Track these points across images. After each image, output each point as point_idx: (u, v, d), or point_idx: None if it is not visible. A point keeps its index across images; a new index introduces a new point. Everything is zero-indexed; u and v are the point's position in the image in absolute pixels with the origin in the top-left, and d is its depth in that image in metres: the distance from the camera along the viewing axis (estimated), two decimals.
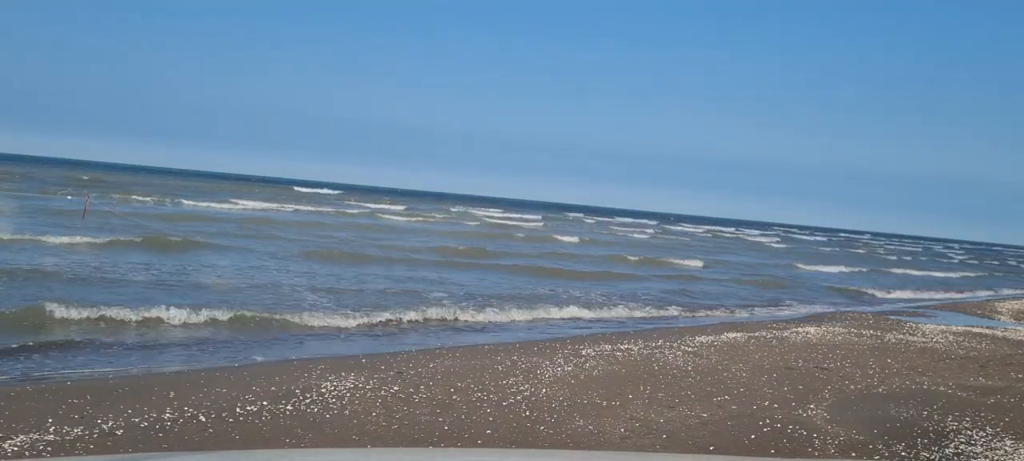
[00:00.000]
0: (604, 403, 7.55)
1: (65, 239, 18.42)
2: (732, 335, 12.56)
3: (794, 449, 6.45)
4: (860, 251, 69.59)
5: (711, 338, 12.06)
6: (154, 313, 10.84)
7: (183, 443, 5.70)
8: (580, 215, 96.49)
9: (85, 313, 10.44)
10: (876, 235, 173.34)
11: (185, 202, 40.63)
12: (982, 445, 6.82)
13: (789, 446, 6.53)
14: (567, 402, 7.49)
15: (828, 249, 66.14)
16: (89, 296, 11.75)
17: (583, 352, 10.12)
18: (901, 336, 13.85)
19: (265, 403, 6.74)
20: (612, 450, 6.10)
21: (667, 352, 10.49)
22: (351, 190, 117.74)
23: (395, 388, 7.56)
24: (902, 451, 6.56)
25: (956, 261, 66.32)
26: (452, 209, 70.91)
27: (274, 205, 46.90)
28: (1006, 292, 33.25)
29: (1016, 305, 24.01)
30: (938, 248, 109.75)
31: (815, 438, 6.80)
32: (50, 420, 5.91)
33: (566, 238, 41.71)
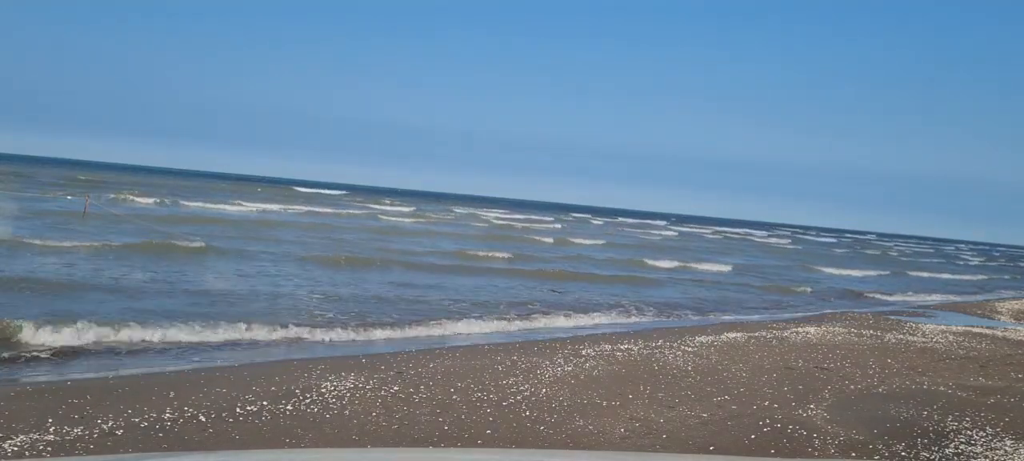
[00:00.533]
0: (604, 403, 7.55)
1: (56, 243, 17.40)
2: (732, 335, 12.56)
3: (794, 449, 6.45)
4: (872, 252, 68.14)
5: (711, 338, 12.06)
6: (139, 334, 9.60)
7: (183, 443, 5.70)
8: (585, 216, 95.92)
9: (59, 335, 9.12)
10: (881, 235, 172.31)
11: (187, 203, 39.68)
12: (982, 445, 6.83)
13: (789, 446, 6.53)
14: (567, 402, 7.49)
15: (841, 251, 64.55)
16: (71, 307, 10.73)
17: (583, 352, 10.12)
18: (901, 336, 13.85)
19: (265, 403, 6.74)
20: (612, 450, 6.10)
21: (667, 352, 10.49)
22: (352, 190, 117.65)
23: (395, 388, 7.56)
24: (902, 451, 6.56)
25: (974, 263, 64.37)
26: (457, 210, 69.99)
27: (280, 206, 46.03)
28: None
29: (1016, 305, 24.00)
30: (949, 249, 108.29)
31: (815, 438, 6.80)
32: (50, 420, 5.91)
33: (586, 240, 41.07)
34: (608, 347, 10.61)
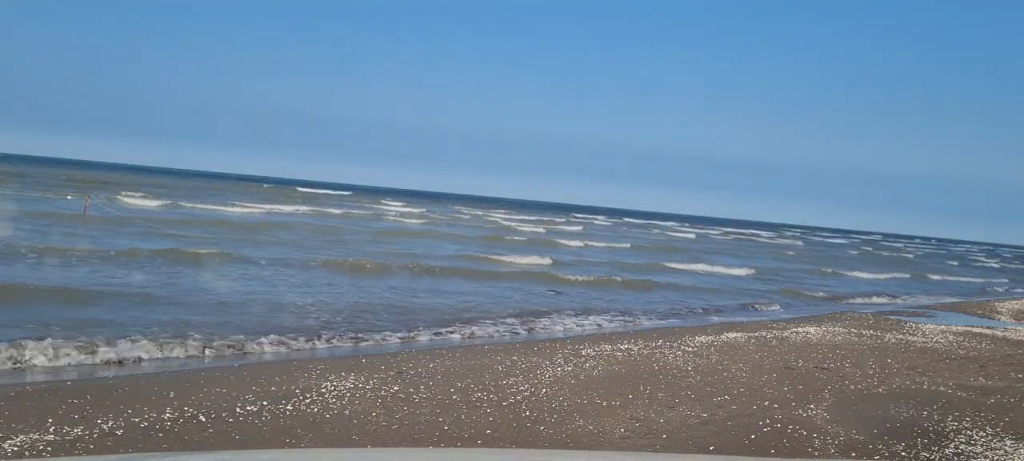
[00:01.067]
0: (604, 403, 7.55)
1: (52, 246, 16.75)
2: (732, 335, 12.56)
3: (794, 449, 6.45)
4: (886, 254, 66.68)
5: (711, 338, 12.06)
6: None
7: (183, 443, 5.70)
8: (590, 216, 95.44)
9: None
10: (887, 235, 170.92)
11: (197, 204, 38.75)
12: (982, 445, 6.83)
13: (789, 446, 6.53)
14: (567, 402, 7.49)
15: (854, 252, 63.28)
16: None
17: (583, 352, 10.12)
18: (901, 336, 13.85)
19: (265, 403, 6.74)
20: (612, 450, 6.10)
21: (667, 352, 10.49)
22: (353, 190, 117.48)
23: (395, 388, 7.56)
24: (902, 451, 6.56)
25: (991, 265, 63.11)
26: (462, 211, 69.19)
27: (292, 207, 45.59)
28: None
29: (1016, 305, 24.00)
30: (957, 250, 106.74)
31: (815, 438, 6.80)
32: (50, 420, 5.91)
33: (614, 244, 40.48)
34: (608, 347, 10.61)
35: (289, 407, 6.68)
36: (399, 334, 11.37)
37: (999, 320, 19.56)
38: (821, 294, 24.82)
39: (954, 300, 26.18)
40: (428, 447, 5.94)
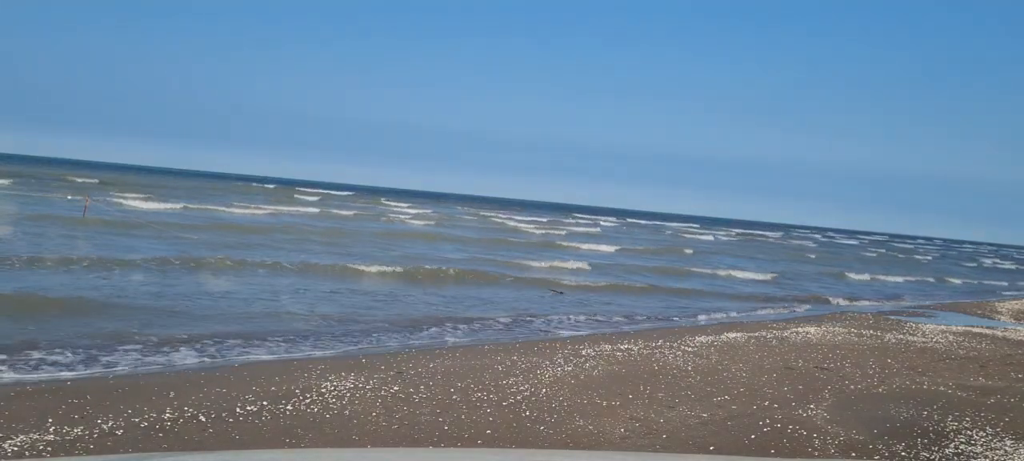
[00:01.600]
0: (604, 403, 7.55)
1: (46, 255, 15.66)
2: (732, 335, 12.56)
3: (794, 449, 6.45)
4: (900, 256, 65.18)
5: (711, 338, 12.06)
6: None
7: (183, 443, 5.70)
8: (594, 216, 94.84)
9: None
10: (892, 236, 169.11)
11: (195, 206, 37.80)
12: (982, 445, 6.83)
13: (789, 446, 6.53)
14: (567, 402, 7.49)
15: (870, 254, 62.01)
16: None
17: (583, 352, 10.12)
18: (901, 336, 13.85)
19: (265, 403, 6.74)
20: (612, 450, 6.11)
21: (667, 352, 10.49)
22: (353, 191, 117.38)
23: (395, 388, 7.56)
24: (902, 451, 6.56)
25: (1008, 268, 61.53)
26: (466, 212, 68.18)
27: (314, 209, 44.70)
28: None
29: (1016, 305, 24.00)
30: (966, 250, 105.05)
31: (815, 438, 6.80)
32: (50, 420, 5.91)
33: (640, 247, 40.01)
34: (608, 347, 10.61)
35: (289, 407, 6.68)
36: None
37: (999, 320, 19.56)
38: (866, 301, 23.95)
39: (955, 300, 26.19)
40: (428, 447, 5.94)
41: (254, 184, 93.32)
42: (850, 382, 9.32)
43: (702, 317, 16.69)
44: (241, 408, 6.55)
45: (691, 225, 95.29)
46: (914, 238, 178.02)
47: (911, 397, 8.64)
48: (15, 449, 5.29)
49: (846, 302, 23.22)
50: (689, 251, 41.72)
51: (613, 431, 6.67)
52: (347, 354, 9.67)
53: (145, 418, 6.11)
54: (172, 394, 6.82)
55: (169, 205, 36.75)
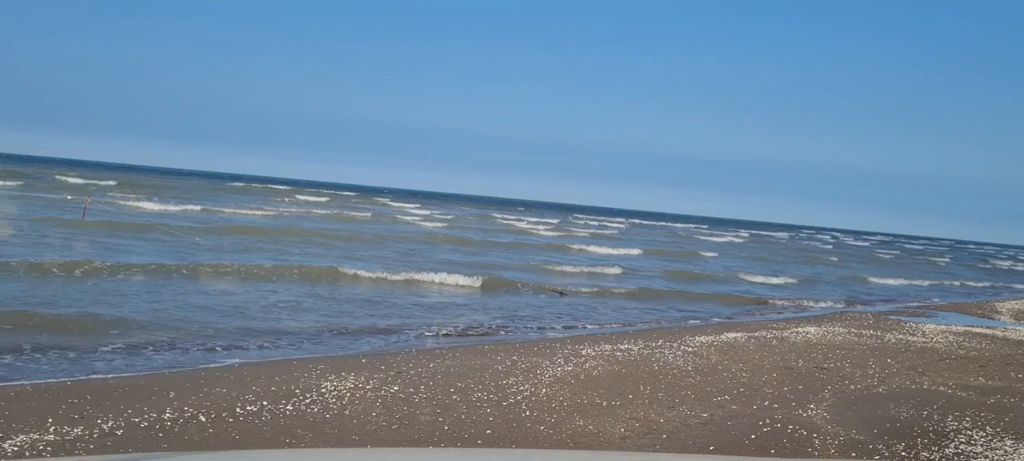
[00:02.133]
0: (604, 403, 7.55)
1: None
2: (732, 335, 12.56)
3: (794, 449, 6.46)
4: (918, 257, 64.19)
5: (711, 338, 12.06)
6: None
7: (183, 443, 5.70)
8: (598, 217, 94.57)
9: None
10: (896, 237, 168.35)
11: (197, 207, 37.03)
12: (982, 445, 6.83)
13: (789, 446, 6.53)
14: (567, 402, 7.49)
15: (888, 256, 60.69)
16: None
17: (583, 352, 10.12)
18: (901, 336, 13.85)
19: (265, 403, 6.74)
20: (612, 450, 6.11)
21: (667, 352, 10.49)
22: (354, 191, 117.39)
23: (395, 388, 7.56)
24: (902, 451, 6.56)
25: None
26: (470, 212, 67.67)
27: (319, 210, 43.80)
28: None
29: (1016, 305, 24.00)
30: (977, 251, 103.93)
31: (815, 438, 6.80)
32: (50, 420, 5.91)
33: (658, 247, 39.52)
34: (608, 347, 10.61)
35: (289, 407, 6.68)
36: None
37: (999, 320, 19.56)
38: (919, 301, 22.68)
39: (955, 300, 26.17)
40: (428, 447, 5.94)
41: (254, 184, 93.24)
42: (850, 382, 9.32)
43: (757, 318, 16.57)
44: (241, 408, 6.55)
45: (701, 226, 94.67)
46: (917, 238, 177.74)
47: (911, 397, 8.64)
48: (15, 449, 5.29)
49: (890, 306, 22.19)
50: (709, 254, 41.29)
51: (613, 431, 6.67)
52: (347, 354, 9.67)
53: (145, 418, 6.11)
54: (172, 394, 6.82)
55: (173, 206, 36.25)
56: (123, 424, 5.94)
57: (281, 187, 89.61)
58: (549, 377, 8.49)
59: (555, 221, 66.10)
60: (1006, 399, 8.80)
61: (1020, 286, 40.07)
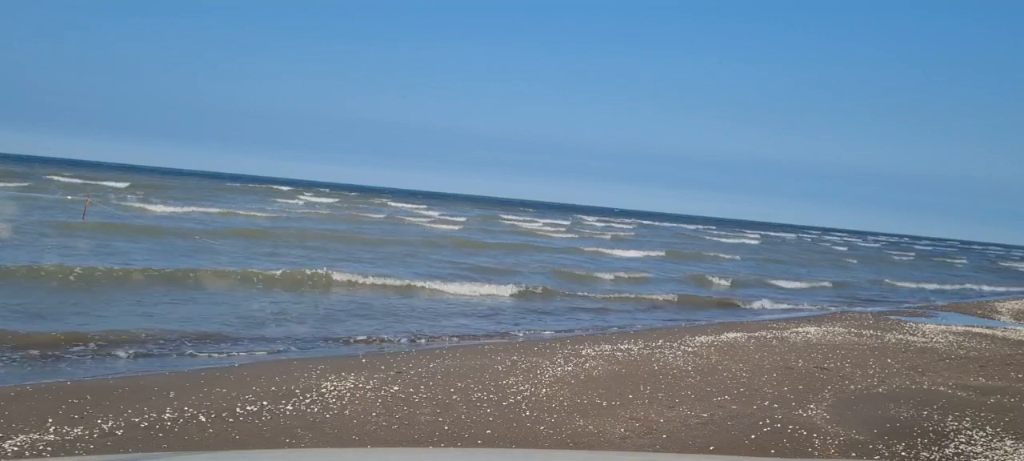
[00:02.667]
0: (604, 403, 7.55)
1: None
2: (732, 335, 12.56)
3: (794, 449, 6.45)
4: (935, 259, 63.03)
5: (711, 338, 12.06)
6: None
7: (183, 443, 5.70)
8: (602, 217, 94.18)
9: None
10: (901, 237, 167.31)
11: (199, 208, 36.23)
12: (982, 445, 6.83)
13: (789, 446, 6.53)
14: (567, 402, 7.49)
15: (905, 259, 59.67)
16: None
17: (583, 352, 10.12)
18: (901, 336, 13.85)
19: (265, 403, 6.74)
20: (612, 450, 6.11)
21: (667, 352, 10.49)
22: (355, 191, 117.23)
23: (395, 388, 7.56)
24: (902, 451, 6.56)
25: None
26: (477, 213, 66.78)
27: (325, 211, 43.41)
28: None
29: (1016, 305, 24.00)
30: (989, 252, 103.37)
31: (815, 438, 6.80)
32: (50, 420, 5.91)
33: (724, 253, 39.28)
34: (608, 347, 10.61)
35: (289, 407, 6.68)
36: None
37: (999, 320, 19.56)
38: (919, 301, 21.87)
39: (955, 300, 26.14)
40: (428, 447, 5.94)
41: (254, 184, 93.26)
42: (850, 382, 9.31)
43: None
44: (241, 408, 6.55)
45: (708, 227, 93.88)
46: (921, 238, 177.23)
47: (911, 397, 8.64)
48: (15, 449, 5.29)
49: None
50: (727, 256, 40.85)
51: (613, 431, 6.67)
52: (347, 354, 9.67)
53: (145, 418, 6.11)
54: (172, 394, 6.82)
55: (174, 207, 35.88)
56: (123, 424, 5.94)
57: (282, 187, 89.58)
58: (549, 377, 8.49)
59: (566, 223, 65.57)
60: (1006, 399, 8.80)
61: None
